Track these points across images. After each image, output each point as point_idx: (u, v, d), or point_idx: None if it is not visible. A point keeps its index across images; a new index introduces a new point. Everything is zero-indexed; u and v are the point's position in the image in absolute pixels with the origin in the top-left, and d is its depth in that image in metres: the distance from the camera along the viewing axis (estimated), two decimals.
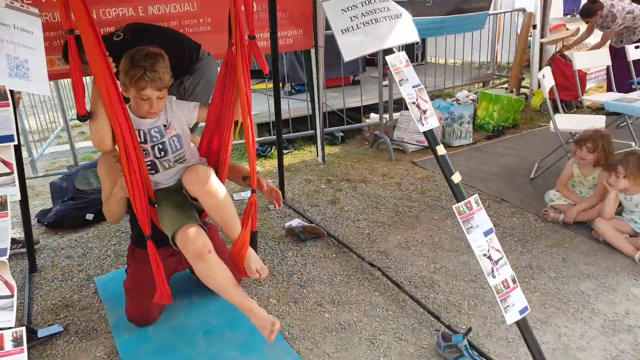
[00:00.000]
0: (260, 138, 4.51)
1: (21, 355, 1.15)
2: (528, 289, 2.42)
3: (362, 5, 1.62)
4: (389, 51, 1.65)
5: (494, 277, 1.67)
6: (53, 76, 2.99)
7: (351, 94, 4.92)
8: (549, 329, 2.16)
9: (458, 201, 1.68)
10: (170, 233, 1.94)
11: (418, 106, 1.64)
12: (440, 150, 1.67)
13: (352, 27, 1.61)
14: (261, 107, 4.52)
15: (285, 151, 4.52)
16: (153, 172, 2.08)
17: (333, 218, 3.27)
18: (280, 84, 5.25)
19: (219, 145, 2.16)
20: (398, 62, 1.63)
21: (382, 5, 1.63)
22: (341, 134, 4.79)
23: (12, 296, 1.44)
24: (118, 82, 1.87)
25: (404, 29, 1.66)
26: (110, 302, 2.44)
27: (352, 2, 1.67)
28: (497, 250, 1.69)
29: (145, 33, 2.66)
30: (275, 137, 4.53)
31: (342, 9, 1.62)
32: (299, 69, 5.00)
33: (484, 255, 1.66)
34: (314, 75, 3.95)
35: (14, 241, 2.98)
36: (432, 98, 5.43)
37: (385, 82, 4.92)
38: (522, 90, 5.87)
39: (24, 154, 3.93)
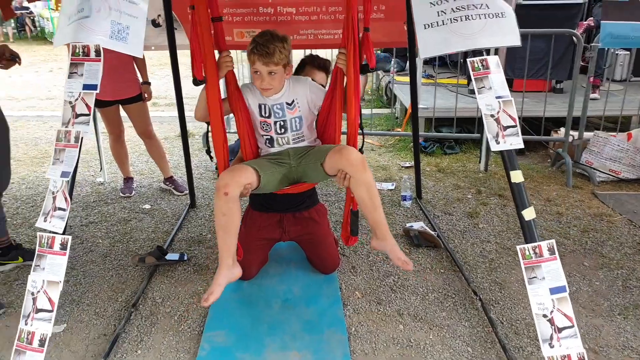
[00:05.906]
0: (424, 133, 4.35)
1: (63, 257, 1.47)
2: None
3: (454, 0, 1.43)
4: (479, 54, 1.43)
5: (551, 346, 1.33)
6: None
7: (547, 102, 4.27)
8: None
9: (526, 242, 1.38)
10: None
11: (497, 120, 1.39)
12: (516, 176, 1.39)
13: (437, 22, 1.44)
14: (441, 102, 4.37)
15: (449, 151, 4.29)
16: (269, 145, 2.26)
17: (461, 232, 2.99)
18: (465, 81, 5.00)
19: (332, 133, 2.23)
20: (482, 66, 1.40)
21: (480, 2, 1.41)
22: None
23: (66, 209, 1.59)
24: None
25: (503, 30, 1.40)
26: None
27: None
28: (567, 316, 1.34)
29: None
30: (437, 134, 4.35)
31: (431, 2, 1.46)
32: None
33: (543, 315, 1.34)
34: None
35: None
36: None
37: (596, 95, 4.11)
38: None
39: None
